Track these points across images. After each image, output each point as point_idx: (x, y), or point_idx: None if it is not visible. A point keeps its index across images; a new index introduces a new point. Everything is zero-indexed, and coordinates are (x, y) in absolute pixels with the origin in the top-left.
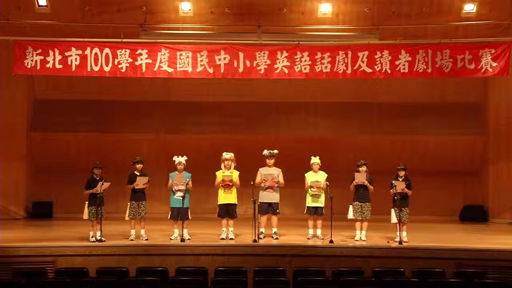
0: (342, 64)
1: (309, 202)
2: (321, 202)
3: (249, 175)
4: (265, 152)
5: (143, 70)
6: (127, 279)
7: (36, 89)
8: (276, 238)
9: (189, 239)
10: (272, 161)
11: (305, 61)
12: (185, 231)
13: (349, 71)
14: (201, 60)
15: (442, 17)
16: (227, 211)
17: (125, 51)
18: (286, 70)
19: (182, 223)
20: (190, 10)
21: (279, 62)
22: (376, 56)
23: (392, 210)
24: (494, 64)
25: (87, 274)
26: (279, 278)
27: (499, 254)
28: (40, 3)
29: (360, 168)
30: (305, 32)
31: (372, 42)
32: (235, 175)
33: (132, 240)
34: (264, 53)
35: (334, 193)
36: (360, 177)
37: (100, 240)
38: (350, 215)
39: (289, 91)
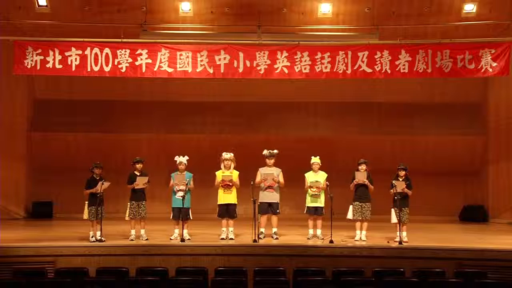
0: (342, 64)
1: (309, 202)
2: (321, 202)
3: (249, 175)
4: (265, 152)
5: (143, 70)
6: (127, 279)
7: (36, 89)
8: (276, 238)
9: (189, 239)
10: (272, 161)
11: (305, 61)
12: (185, 231)
13: (349, 71)
14: (201, 60)
15: (442, 17)
16: (227, 211)
17: (125, 51)
18: (286, 70)
19: (182, 223)
20: (190, 10)
21: (279, 62)
22: (376, 56)
23: (392, 210)
24: (494, 64)
25: (87, 274)
26: (279, 278)
27: (499, 254)
28: (40, 3)
29: (360, 167)
30: (305, 32)
31: (372, 42)
32: (234, 175)
33: (132, 240)
34: (264, 53)
35: (334, 193)
36: (361, 176)
37: (100, 240)
38: (350, 215)
39: (289, 91)
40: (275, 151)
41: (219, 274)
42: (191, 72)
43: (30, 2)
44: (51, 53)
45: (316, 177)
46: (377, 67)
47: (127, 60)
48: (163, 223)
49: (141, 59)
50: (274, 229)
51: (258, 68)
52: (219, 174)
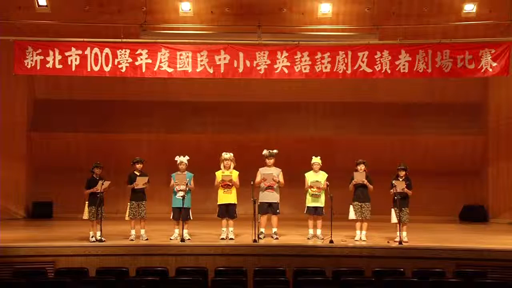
0: (342, 64)
1: (309, 202)
2: (321, 202)
3: (249, 175)
4: (265, 152)
5: (143, 70)
6: (127, 279)
7: (36, 89)
8: (276, 238)
9: (189, 239)
10: (272, 161)
11: (305, 61)
12: (185, 231)
13: (349, 71)
14: (201, 60)
15: (442, 17)
16: (227, 211)
17: (125, 51)
18: (286, 70)
19: (182, 223)
20: (190, 10)
21: (279, 62)
22: (376, 56)
23: (392, 210)
24: (494, 64)
25: (87, 274)
26: (279, 278)
27: (499, 254)
28: (40, 3)
29: (358, 167)
30: (305, 32)
31: (372, 42)
32: (234, 175)
33: (132, 240)
34: (264, 53)
35: (334, 193)
36: (360, 176)
37: (100, 240)
38: (351, 215)
39: (289, 91)
40: (275, 151)
41: (219, 274)
42: (191, 72)
43: (30, 2)
44: (51, 53)
45: (316, 177)
46: (377, 67)
47: (127, 60)
48: (163, 223)
49: (141, 59)
50: (274, 229)
51: (258, 68)
52: (219, 174)
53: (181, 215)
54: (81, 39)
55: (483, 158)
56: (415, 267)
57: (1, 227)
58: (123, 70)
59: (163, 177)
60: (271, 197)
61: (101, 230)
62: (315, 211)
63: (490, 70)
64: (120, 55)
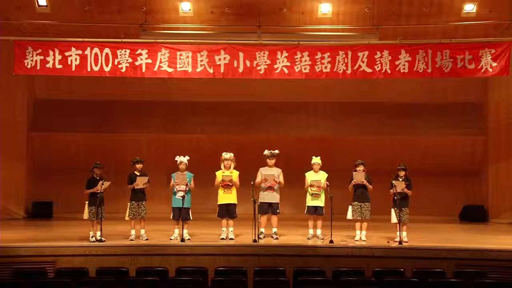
0: (342, 64)
1: (309, 201)
2: (321, 202)
3: (249, 175)
4: (266, 152)
5: (143, 70)
6: (127, 279)
7: (36, 89)
8: (276, 238)
9: (189, 239)
10: (272, 161)
11: (305, 61)
12: (185, 231)
13: (349, 71)
14: (201, 60)
15: (442, 17)
16: (227, 211)
17: (125, 51)
18: (286, 70)
19: (182, 223)
20: (190, 10)
21: (279, 62)
22: (376, 56)
23: (392, 210)
24: (494, 64)
25: (87, 274)
26: (279, 278)
27: (499, 254)
28: (40, 3)
29: (358, 168)
30: (305, 32)
31: (372, 42)
32: (234, 175)
33: (132, 240)
34: (264, 53)
35: (334, 193)
36: (359, 177)
37: (100, 240)
38: (349, 215)
39: (289, 91)
40: (276, 151)
41: (219, 274)
42: (191, 72)
43: (30, 2)
44: (51, 53)
45: (316, 177)
46: (377, 67)
47: (127, 60)
48: (163, 223)
49: (141, 59)
50: (274, 229)
51: (258, 68)
52: (219, 174)
53: (181, 215)
54: (81, 39)
55: (483, 158)
56: (415, 267)
57: (1, 227)
58: (123, 70)
59: (163, 177)
60: (271, 197)
61: (101, 230)
62: (315, 211)
63: (490, 70)
64: (120, 55)
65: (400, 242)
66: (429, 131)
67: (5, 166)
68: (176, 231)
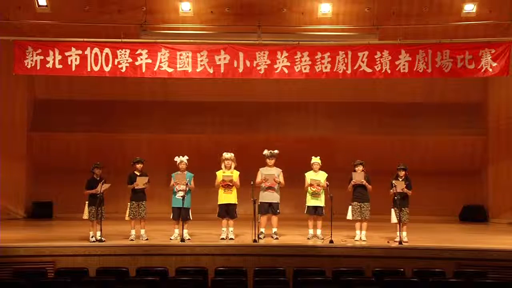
0: (342, 64)
1: (309, 201)
2: (321, 202)
3: (249, 175)
4: (266, 152)
5: (143, 70)
6: (127, 279)
7: (36, 89)
8: (276, 238)
9: (189, 239)
10: (272, 161)
11: (305, 61)
12: (185, 231)
13: (349, 71)
14: (201, 60)
15: (442, 17)
16: (227, 211)
17: (125, 51)
18: (286, 70)
19: (182, 223)
20: (190, 10)
21: (279, 62)
22: (376, 56)
23: (392, 210)
24: (494, 64)
25: (87, 274)
26: (279, 278)
27: (499, 254)
28: (40, 3)
29: (357, 168)
30: (305, 32)
31: (372, 42)
32: (235, 175)
33: (132, 240)
34: (264, 53)
35: (334, 193)
36: (358, 177)
37: (100, 240)
38: (349, 216)
39: (289, 91)
40: (276, 151)
41: (219, 274)
42: (191, 72)
43: (30, 2)
44: (51, 53)
45: (316, 177)
46: (377, 67)
47: (127, 60)
48: (163, 223)
49: (141, 59)
50: (274, 229)
51: (258, 68)
52: (220, 174)
53: (180, 215)
54: (81, 39)
55: (483, 158)
56: (415, 267)
57: (1, 227)
58: (123, 70)
59: (163, 177)
60: (272, 197)
61: (101, 230)
62: (315, 211)
63: (490, 70)
64: (120, 55)
65: (400, 242)
66: (429, 131)
67: (5, 166)
68: (176, 231)
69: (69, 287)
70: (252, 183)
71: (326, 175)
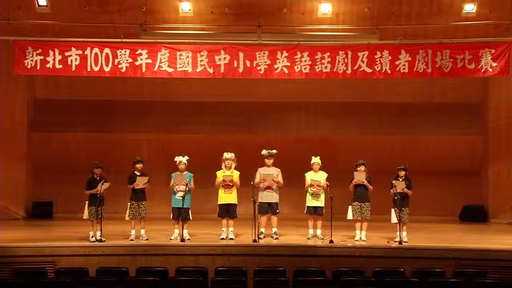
0: (342, 64)
1: (309, 202)
2: (321, 202)
3: (249, 175)
4: (264, 152)
5: (143, 70)
6: (127, 279)
7: (36, 89)
8: (276, 238)
9: (189, 239)
10: (271, 161)
11: (305, 61)
12: (185, 231)
13: (349, 71)
14: (201, 60)
15: (442, 17)
16: (227, 211)
17: (125, 51)
18: (286, 70)
19: (182, 223)
20: (190, 10)
21: (279, 62)
22: (376, 56)
23: (392, 210)
24: (494, 64)
25: (87, 274)
26: (279, 278)
27: (499, 254)
28: (40, 3)
29: (358, 168)
30: (305, 32)
31: (372, 42)
32: (235, 175)
33: (132, 240)
34: (264, 53)
35: (334, 193)
36: (360, 177)
37: (100, 240)
38: (349, 216)
39: (289, 91)
40: (274, 151)
41: (219, 274)
42: (191, 72)
43: (30, 2)
44: (51, 53)
45: (316, 177)
46: (377, 67)
47: (127, 60)
48: (163, 223)
49: (141, 59)
50: (274, 229)
51: (258, 68)
52: (220, 174)
53: (180, 215)
54: (81, 39)
55: (483, 158)
56: (415, 267)
57: (1, 227)
58: (123, 70)
59: (163, 177)
60: (271, 197)
61: (101, 230)
62: (315, 211)
63: (490, 70)
64: (120, 55)
65: (400, 242)
66: (429, 131)
67: (5, 166)
68: (176, 231)
69: (69, 287)
70: (252, 183)
71: (326, 175)
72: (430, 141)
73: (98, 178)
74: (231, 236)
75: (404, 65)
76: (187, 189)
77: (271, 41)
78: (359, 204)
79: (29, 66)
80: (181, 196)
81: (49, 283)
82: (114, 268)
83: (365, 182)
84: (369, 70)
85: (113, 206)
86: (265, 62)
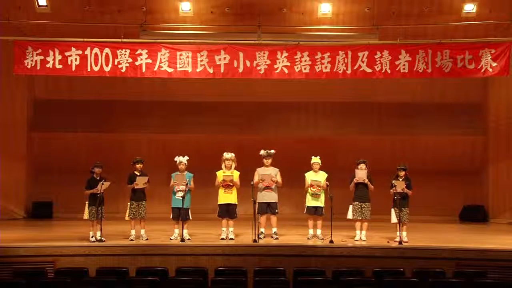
0: (342, 64)
1: (309, 202)
2: (321, 202)
3: (249, 175)
4: (262, 152)
5: (143, 70)
6: (127, 279)
7: (36, 89)
8: (276, 238)
9: (189, 239)
10: (269, 161)
11: (305, 61)
12: (185, 231)
13: (349, 71)
14: (201, 60)
15: (442, 17)
16: (227, 211)
17: (125, 51)
18: (286, 70)
19: (182, 223)
20: (190, 10)
21: (279, 62)
22: (376, 56)
23: (392, 210)
24: (494, 64)
25: (87, 274)
26: (279, 278)
27: (499, 254)
28: (40, 3)
29: (360, 166)
30: (305, 32)
31: (372, 42)
32: (235, 175)
33: (132, 240)
34: (264, 53)
35: (334, 193)
36: (361, 174)
37: (100, 240)
38: (349, 215)
39: (289, 91)
40: (272, 151)
41: (219, 274)
42: (191, 72)
43: (30, 2)
44: (51, 53)
45: (316, 177)
46: (377, 67)
47: (127, 60)
48: (163, 223)
49: (141, 59)
50: (274, 229)
51: (258, 68)
52: (220, 174)
53: (180, 215)
54: (81, 39)
55: (483, 158)
56: (415, 267)
57: (1, 227)
58: (123, 70)
59: (163, 177)
60: (270, 197)
61: (101, 230)
62: (315, 211)
63: (490, 70)
64: (120, 55)
65: (400, 242)
66: (429, 131)
67: (5, 166)
68: (176, 231)
69: (69, 287)
70: (252, 183)
71: (326, 175)
72: (430, 141)
73: (98, 178)
74: (231, 236)
75: (404, 65)
76: (187, 189)
77: (271, 41)
78: (359, 204)
79: (29, 66)
80: (181, 196)
81: (49, 283)
82: (114, 268)
83: (366, 181)
84: (369, 70)
85: (113, 206)
86: (265, 62)
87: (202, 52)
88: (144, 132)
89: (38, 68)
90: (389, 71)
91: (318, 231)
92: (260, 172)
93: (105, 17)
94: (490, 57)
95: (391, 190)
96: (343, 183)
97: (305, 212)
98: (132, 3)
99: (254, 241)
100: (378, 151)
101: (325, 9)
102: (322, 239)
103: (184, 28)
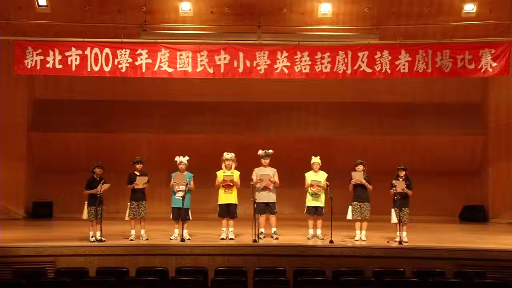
0: (342, 64)
1: (309, 202)
2: (321, 202)
3: (249, 175)
4: (260, 152)
5: (143, 70)
6: (127, 279)
7: (36, 89)
8: (276, 238)
9: (189, 239)
10: (267, 161)
11: (305, 61)
12: (185, 231)
13: (349, 71)
14: (201, 60)
15: (442, 17)
16: (228, 211)
17: (125, 51)
18: (286, 70)
19: (182, 223)
20: (190, 10)
21: (279, 62)
22: (376, 56)
23: (392, 210)
24: (494, 64)
25: (87, 274)
26: (279, 278)
27: (499, 254)
28: (40, 3)
29: (357, 168)
30: (305, 32)
31: (372, 42)
32: (235, 175)
33: (132, 240)
34: (264, 53)
35: (334, 193)
36: (358, 176)
37: (100, 240)
38: (349, 216)
39: (289, 91)
40: (270, 151)
41: (219, 274)
42: (191, 72)
43: (30, 2)
44: (51, 53)
45: (316, 177)
46: (377, 67)
47: (127, 60)
48: (163, 223)
49: (141, 59)
50: (274, 229)
51: (258, 68)
52: (220, 174)
53: (180, 215)
54: (81, 39)
55: (483, 158)
56: (415, 267)
57: (1, 227)
58: (123, 70)
59: (163, 177)
60: (268, 197)
61: (101, 230)
62: (315, 211)
63: (490, 70)
64: (120, 55)
65: (400, 242)
66: (429, 131)
67: (5, 166)
68: (176, 231)
69: (69, 287)
70: (252, 183)
71: (326, 175)
72: (430, 141)
73: (98, 179)
74: (231, 236)
75: (404, 65)
76: (186, 189)
77: (271, 41)
78: (358, 204)
79: (29, 66)
80: (181, 196)
81: (49, 283)
82: (114, 268)
83: (364, 182)
84: (369, 70)
85: (113, 206)
86: (265, 62)
87: (202, 52)
88: (144, 132)
89: (38, 68)
90: (389, 71)
91: (318, 231)
92: (258, 172)
93: (105, 17)
94: (490, 57)
95: (391, 190)
96: (343, 183)
97: (305, 212)
98: (132, 3)
99: (254, 241)
100: (378, 151)
101: (325, 9)
102: (322, 239)
103: (184, 28)
